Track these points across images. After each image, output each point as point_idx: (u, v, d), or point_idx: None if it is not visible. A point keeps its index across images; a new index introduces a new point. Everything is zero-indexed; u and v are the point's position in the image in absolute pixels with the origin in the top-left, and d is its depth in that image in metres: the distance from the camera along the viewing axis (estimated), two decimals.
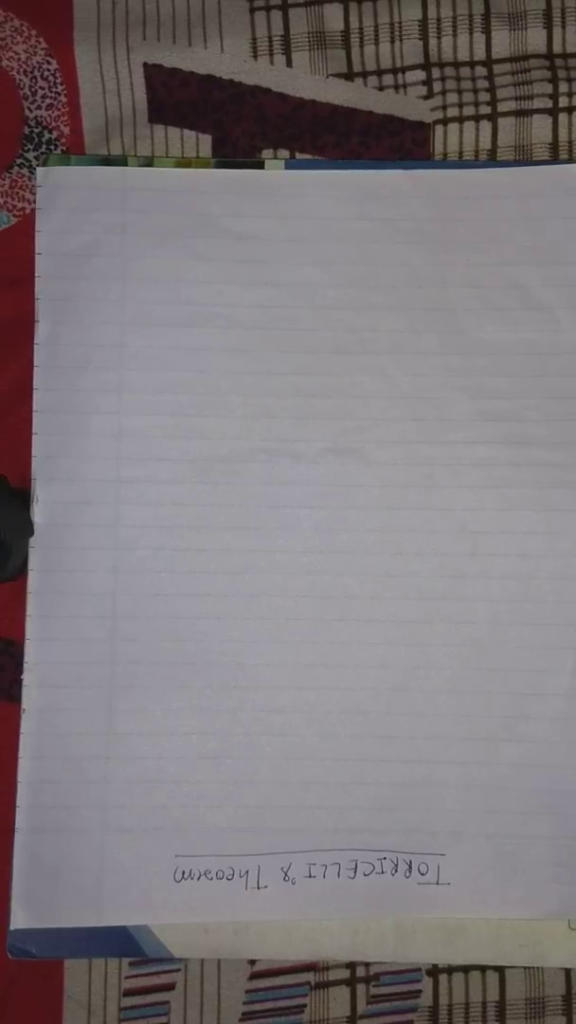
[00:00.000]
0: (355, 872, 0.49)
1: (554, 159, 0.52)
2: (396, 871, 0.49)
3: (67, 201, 0.51)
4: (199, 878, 0.49)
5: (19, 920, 0.49)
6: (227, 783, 0.50)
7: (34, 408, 0.51)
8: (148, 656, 0.50)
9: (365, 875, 0.49)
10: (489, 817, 0.49)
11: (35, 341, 0.51)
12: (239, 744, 0.49)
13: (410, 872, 0.49)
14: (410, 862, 0.49)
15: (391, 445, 0.50)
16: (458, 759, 0.50)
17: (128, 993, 0.51)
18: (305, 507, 0.50)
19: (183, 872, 0.50)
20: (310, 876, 0.49)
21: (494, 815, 0.49)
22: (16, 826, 0.50)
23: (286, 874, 0.49)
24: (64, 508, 0.51)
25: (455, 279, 0.51)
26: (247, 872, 0.49)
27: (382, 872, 0.49)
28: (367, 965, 0.51)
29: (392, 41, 0.53)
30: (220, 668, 0.50)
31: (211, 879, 0.49)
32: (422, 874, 0.49)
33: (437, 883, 0.49)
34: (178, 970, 0.51)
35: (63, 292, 0.51)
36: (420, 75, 0.53)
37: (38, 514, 0.51)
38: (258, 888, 0.49)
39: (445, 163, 0.52)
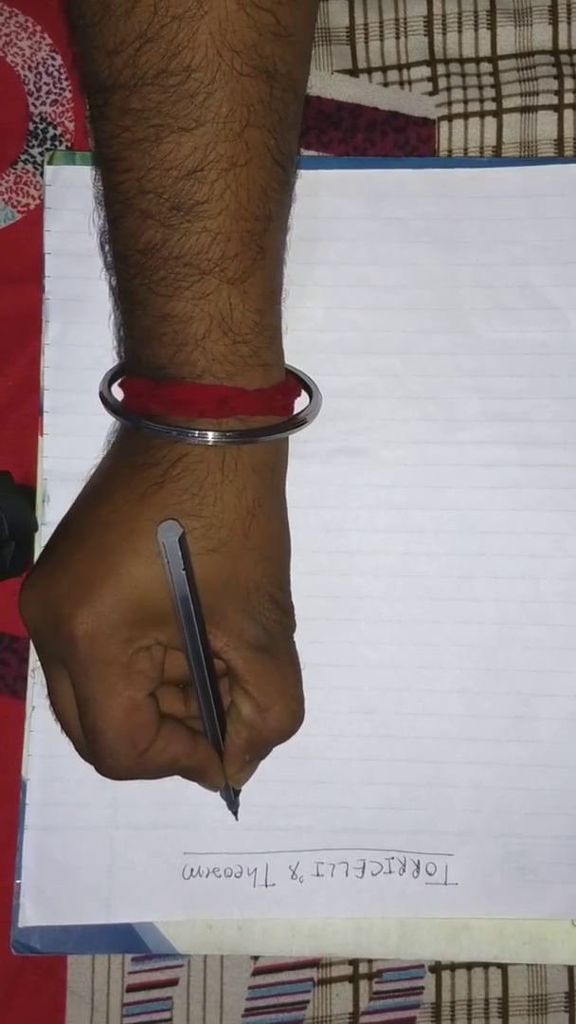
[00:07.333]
0: (363, 871, 0.50)
1: (559, 155, 0.52)
2: (404, 871, 0.50)
3: (76, 201, 0.51)
4: (207, 875, 0.50)
5: (28, 918, 0.50)
6: None
7: (44, 409, 0.51)
8: None
9: (373, 875, 0.50)
10: (497, 817, 0.50)
11: (45, 342, 0.51)
12: None
13: (418, 872, 0.49)
14: (418, 862, 0.50)
15: (400, 445, 0.50)
16: (466, 759, 0.50)
17: (131, 989, 0.51)
18: (314, 507, 0.50)
19: (192, 869, 0.50)
20: (318, 875, 0.50)
21: (502, 815, 0.50)
22: (26, 824, 0.50)
23: (294, 872, 0.50)
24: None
25: (464, 278, 0.51)
26: (255, 870, 0.50)
27: (390, 872, 0.50)
28: (370, 962, 0.51)
29: (397, 37, 0.53)
30: None
31: (219, 877, 0.50)
32: (430, 874, 0.49)
33: (445, 883, 0.49)
34: (181, 966, 0.51)
35: (73, 292, 0.51)
36: (425, 71, 0.53)
37: (49, 513, 0.51)
38: (266, 886, 0.49)
39: (454, 161, 0.52)
